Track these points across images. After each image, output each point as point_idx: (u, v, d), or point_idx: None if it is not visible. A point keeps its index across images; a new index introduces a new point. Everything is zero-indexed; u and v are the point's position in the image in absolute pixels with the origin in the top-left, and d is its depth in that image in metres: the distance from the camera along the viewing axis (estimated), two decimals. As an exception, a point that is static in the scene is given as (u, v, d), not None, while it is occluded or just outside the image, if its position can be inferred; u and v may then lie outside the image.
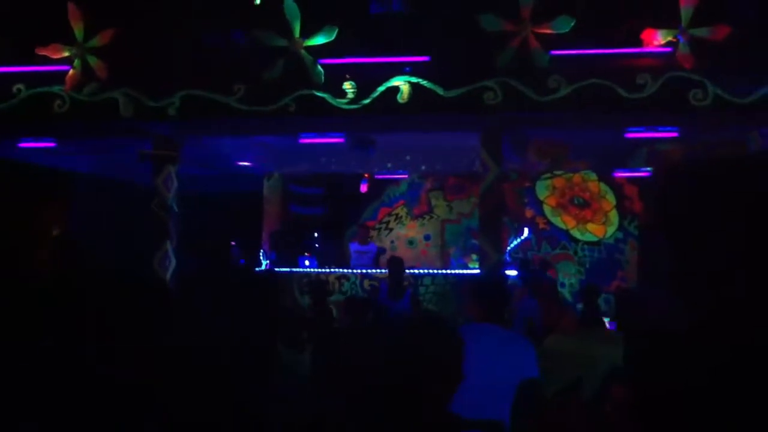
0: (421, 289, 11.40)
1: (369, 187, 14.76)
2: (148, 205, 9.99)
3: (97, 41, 9.46)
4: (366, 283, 11.48)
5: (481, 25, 8.62)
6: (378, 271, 11.76)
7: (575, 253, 14.62)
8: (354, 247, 12.89)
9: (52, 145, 10.66)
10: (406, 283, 10.36)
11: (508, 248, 13.44)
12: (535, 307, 6.84)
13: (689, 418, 2.99)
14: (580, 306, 10.57)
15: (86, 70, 9.51)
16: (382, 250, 13.39)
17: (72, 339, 2.64)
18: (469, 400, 2.68)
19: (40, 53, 9.55)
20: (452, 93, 8.93)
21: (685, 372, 3.15)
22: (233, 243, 13.42)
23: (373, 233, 14.81)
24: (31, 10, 9.67)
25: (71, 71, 9.55)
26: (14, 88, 9.69)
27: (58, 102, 9.59)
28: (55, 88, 9.60)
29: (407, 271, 11.12)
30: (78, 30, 9.50)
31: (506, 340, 4.17)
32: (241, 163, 13.05)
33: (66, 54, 9.55)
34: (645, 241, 13.68)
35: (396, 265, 10.05)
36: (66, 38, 9.51)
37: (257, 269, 12.21)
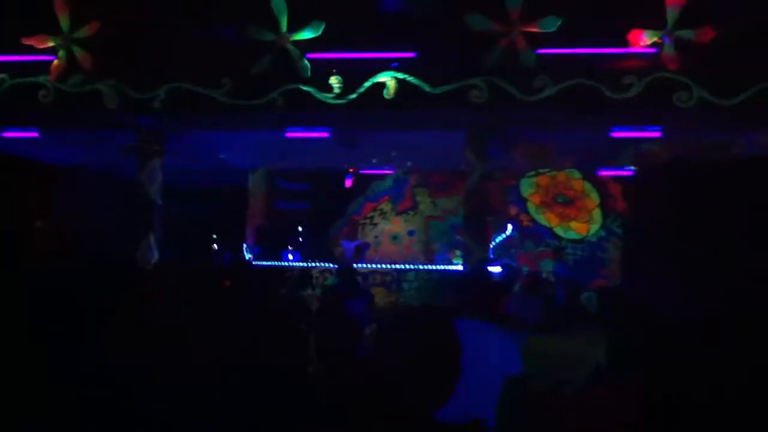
0: (405, 285, 11.42)
1: (354, 182, 14.75)
2: (131, 197, 9.95)
3: (83, 32, 9.41)
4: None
5: (468, 24, 8.64)
6: (362, 265, 11.77)
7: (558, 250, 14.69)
8: (344, 244, 12.99)
9: (35, 135, 10.57)
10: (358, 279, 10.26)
11: (492, 245, 13.47)
12: (524, 304, 6.90)
13: (675, 414, 3.03)
14: (565, 302, 10.65)
15: (71, 61, 9.46)
16: (364, 245, 13.41)
17: (60, 324, 2.65)
18: (456, 398, 2.70)
19: (26, 43, 9.49)
20: (439, 90, 8.95)
21: (668, 368, 3.19)
22: (214, 236, 13.40)
23: (359, 228, 14.83)
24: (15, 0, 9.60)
25: (56, 61, 9.49)
26: (-1, 78, 9.63)
27: (42, 92, 9.54)
28: (41, 79, 9.54)
29: (392, 265, 11.10)
30: (64, 21, 9.44)
31: (490, 336, 4.20)
32: (226, 157, 13.01)
33: (51, 44, 9.50)
34: (629, 239, 13.77)
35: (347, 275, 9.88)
36: (52, 29, 9.45)
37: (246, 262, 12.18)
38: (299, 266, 11.95)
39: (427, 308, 2.88)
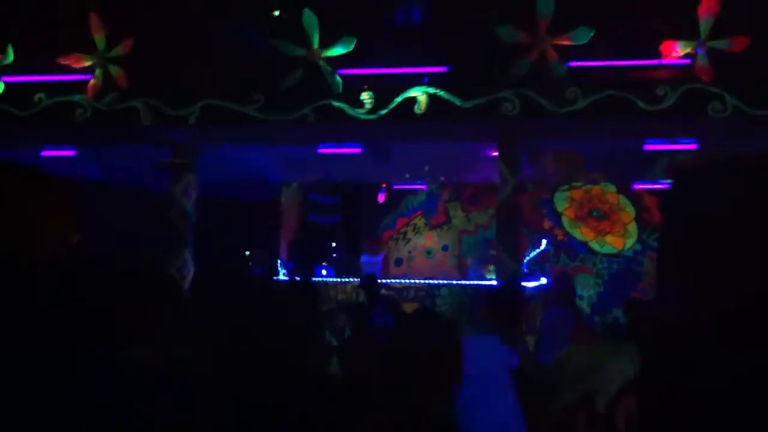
0: (438, 300, 11.38)
1: (387, 197, 14.77)
2: (165, 212, 10.07)
3: (118, 51, 9.58)
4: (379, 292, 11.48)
5: (498, 37, 8.63)
6: (393, 280, 11.77)
7: (594, 265, 14.54)
8: (364, 258, 12.96)
9: (72, 153, 10.77)
10: (383, 292, 10.25)
11: (526, 259, 13.38)
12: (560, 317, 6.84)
13: (699, 426, 2.96)
14: (597, 318, 10.53)
15: (107, 79, 9.63)
16: (386, 262, 13.45)
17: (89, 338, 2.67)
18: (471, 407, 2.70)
19: (63, 62, 9.68)
20: (469, 103, 8.94)
21: (701, 382, 3.13)
22: (248, 252, 13.47)
23: (389, 243, 14.82)
24: (52, 19, 9.80)
25: (92, 80, 9.66)
26: (35, 97, 9.82)
27: (79, 111, 9.71)
28: (76, 97, 9.71)
29: (425, 281, 11.07)
30: (99, 40, 9.62)
31: (493, 345, 4.25)
32: (258, 172, 13.11)
33: (87, 63, 9.68)
34: (664, 250, 13.57)
35: (370, 283, 9.89)
36: (86, 47, 9.63)
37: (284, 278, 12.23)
38: (330, 281, 11.97)
39: (431, 314, 2.88)
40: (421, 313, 2.73)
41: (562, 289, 7.57)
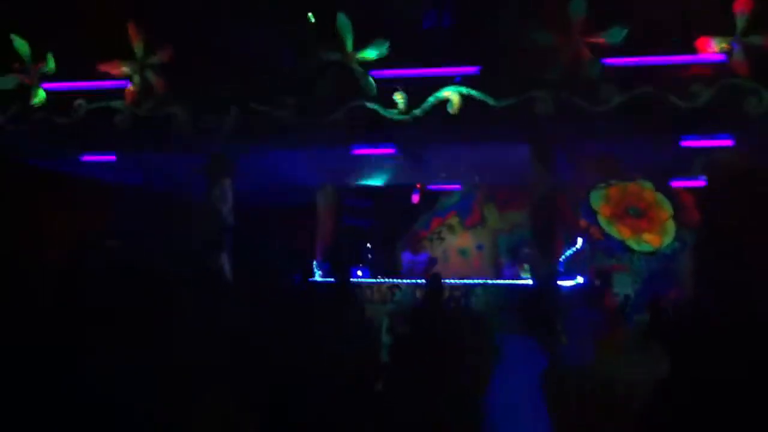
0: (473, 299, 11.36)
1: (421, 198, 14.78)
2: (203, 218, 10.20)
3: (156, 58, 9.74)
4: (418, 292, 11.48)
5: (534, 40, 8.60)
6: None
7: (631, 263, 14.38)
8: (407, 257, 12.92)
9: (112, 159, 10.94)
10: (444, 296, 10.24)
11: (562, 258, 13.31)
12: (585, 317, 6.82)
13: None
14: (636, 317, 10.45)
15: (146, 86, 9.79)
16: (434, 260, 13.39)
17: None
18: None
19: (102, 69, 9.88)
20: (502, 103, 8.94)
21: (737, 381, 3.12)
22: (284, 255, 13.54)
23: (426, 243, 14.81)
24: (91, 27, 10.00)
25: (131, 87, 9.84)
26: (75, 104, 10.01)
27: (118, 117, 9.89)
28: (116, 103, 9.89)
29: (460, 281, 11.06)
30: (138, 47, 9.79)
31: (526, 347, 4.26)
32: (294, 176, 13.21)
33: (126, 70, 9.85)
34: (702, 251, 13.41)
35: (435, 281, 9.89)
36: (126, 55, 9.81)
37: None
38: (369, 282, 12.01)
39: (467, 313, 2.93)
40: (454, 316, 2.77)
41: (591, 289, 7.55)
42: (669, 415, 3.35)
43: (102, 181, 12.80)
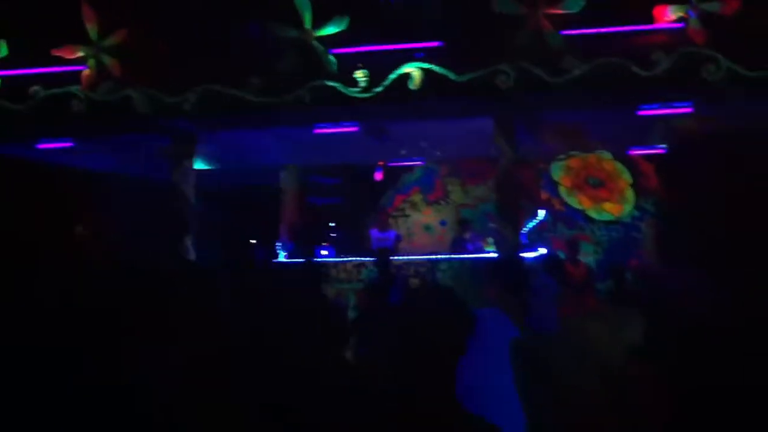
0: (439, 275, 11.43)
1: (384, 175, 14.79)
2: (165, 200, 10.09)
3: (111, 40, 9.57)
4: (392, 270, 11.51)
5: (495, 8, 8.61)
6: (401, 258, 11.80)
7: (592, 233, 14.57)
8: (375, 234, 12.94)
9: (69, 145, 10.76)
10: (393, 270, 10.28)
11: (524, 230, 13.43)
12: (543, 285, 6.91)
13: (715, 400, 3.04)
14: (600, 285, 10.61)
15: (101, 69, 9.62)
16: (399, 237, 13.43)
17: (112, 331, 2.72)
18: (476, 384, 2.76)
19: (56, 54, 9.67)
20: (464, 77, 8.94)
21: (711, 354, 3.18)
22: (253, 241, 13.49)
23: (391, 220, 14.84)
24: (44, 11, 9.78)
25: (87, 71, 9.66)
26: (31, 90, 9.81)
27: (75, 102, 9.70)
28: (72, 89, 9.71)
29: (426, 257, 11.11)
30: (92, 30, 9.60)
31: (495, 319, 4.29)
32: (257, 156, 13.13)
33: (81, 54, 9.67)
34: (663, 219, 13.64)
35: (381, 255, 9.90)
36: (80, 38, 9.62)
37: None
38: (335, 261, 12.02)
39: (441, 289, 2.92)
40: (429, 288, 2.78)
41: (555, 259, 7.65)
42: (638, 380, 3.41)
43: (62, 167, 12.58)
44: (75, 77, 9.73)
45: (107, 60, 9.60)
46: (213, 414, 2.66)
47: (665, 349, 3.70)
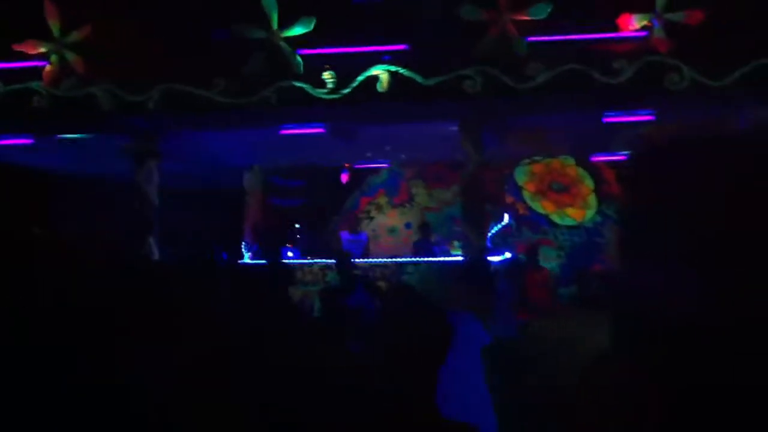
0: (405, 277, 11.42)
1: (350, 177, 14.76)
2: (129, 200, 9.96)
3: (74, 36, 9.42)
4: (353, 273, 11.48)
5: (460, 15, 8.66)
6: (367, 261, 11.78)
7: (555, 237, 14.69)
8: (345, 236, 12.92)
9: (30, 142, 10.55)
10: (357, 272, 10.24)
11: (489, 234, 13.50)
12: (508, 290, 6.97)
13: (687, 403, 3.06)
14: (564, 291, 10.70)
15: (64, 66, 9.47)
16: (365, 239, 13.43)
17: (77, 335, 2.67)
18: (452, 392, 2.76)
19: (17, 49, 9.49)
20: (431, 81, 8.97)
21: (684, 356, 3.21)
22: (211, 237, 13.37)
23: (358, 222, 14.83)
24: (5, 6, 9.60)
25: (49, 67, 9.50)
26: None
27: (36, 98, 9.53)
28: (34, 84, 9.54)
29: (391, 259, 11.10)
30: (55, 26, 9.45)
31: (468, 323, 4.29)
32: (221, 157, 13.02)
33: (43, 50, 9.50)
34: (625, 225, 13.78)
35: (341, 257, 9.81)
36: (43, 34, 9.46)
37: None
38: (301, 263, 11.96)
39: (416, 293, 2.91)
40: (405, 292, 2.75)
41: (519, 263, 7.72)
42: (606, 384, 3.42)
43: (20, 165, 12.34)
44: (37, 73, 9.55)
45: (70, 56, 9.45)
46: (184, 414, 2.62)
47: (631, 352, 3.74)
